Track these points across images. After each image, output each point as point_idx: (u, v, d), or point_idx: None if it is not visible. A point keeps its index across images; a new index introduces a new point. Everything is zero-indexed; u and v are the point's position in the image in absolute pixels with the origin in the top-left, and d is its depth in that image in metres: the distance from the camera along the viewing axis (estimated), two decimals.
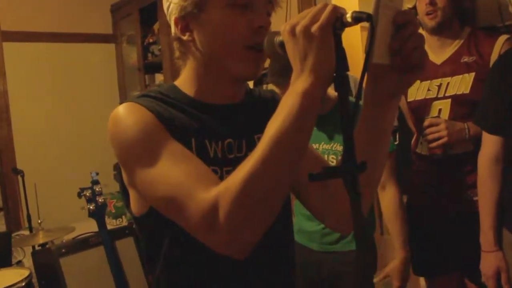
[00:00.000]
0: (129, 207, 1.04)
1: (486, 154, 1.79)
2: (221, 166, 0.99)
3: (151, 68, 4.26)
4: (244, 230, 0.80)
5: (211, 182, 0.84)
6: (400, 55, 0.80)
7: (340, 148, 1.93)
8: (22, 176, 3.30)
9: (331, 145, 1.95)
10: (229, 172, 0.96)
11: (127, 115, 0.93)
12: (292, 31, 0.76)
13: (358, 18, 0.73)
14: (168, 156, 0.88)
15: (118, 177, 1.03)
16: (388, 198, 2.06)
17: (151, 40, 4.20)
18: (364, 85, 0.84)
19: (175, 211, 0.87)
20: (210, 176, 0.88)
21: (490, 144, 1.77)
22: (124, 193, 1.05)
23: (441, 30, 2.03)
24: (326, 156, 1.95)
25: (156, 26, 4.13)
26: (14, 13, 4.08)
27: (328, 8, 0.74)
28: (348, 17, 0.74)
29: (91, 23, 4.49)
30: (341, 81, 0.75)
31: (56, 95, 4.31)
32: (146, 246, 1.06)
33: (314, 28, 0.74)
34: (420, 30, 1.12)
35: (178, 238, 0.95)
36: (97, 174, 2.61)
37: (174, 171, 0.86)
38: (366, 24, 0.76)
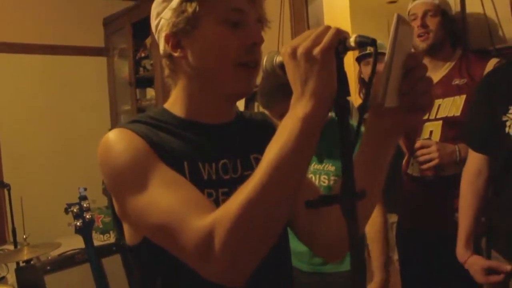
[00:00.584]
0: (123, 237, 1.00)
1: (469, 169, 1.82)
2: (216, 188, 0.96)
3: (143, 82, 4.25)
4: (241, 259, 0.77)
5: (206, 208, 0.82)
6: (408, 97, 0.80)
7: (332, 168, 1.92)
8: (9, 190, 3.24)
9: (323, 165, 1.94)
10: (225, 194, 0.95)
11: (117, 141, 0.91)
12: (293, 53, 0.74)
13: (362, 42, 0.72)
14: (160, 183, 0.86)
15: (110, 207, 0.99)
16: (372, 218, 2.05)
17: (143, 55, 4.19)
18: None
19: (168, 240, 0.84)
20: (204, 202, 0.85)
21: (474, 160, 1.80)
22: (116, 223, 1.01)
23: (432, 52, 2.06)
24: (317, 176, 1.94)
25: (148, 41, 4.13)
26: (5, 24, 4.06)
27: (331, 31, 0.73)
28: (352, 41, 0.73)
29: (83, 36, 4.47)
30: (343, 106, 0.74)
31: (46, 108, 4.27)
32: (141, 276, 1.02)
33: (316, 51, 0.72)
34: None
35: (174, 267, 0.91)
36: (85, 189, 2.57)
37: (167, 198, 0.84)
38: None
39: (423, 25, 2.02)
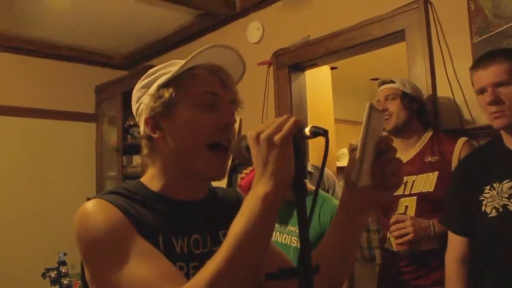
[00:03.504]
0: None
1: (453, 255, 1.84)
2: (188, 262, 1.00)
3: (130, 149, 4.32)
4: None
5: (178, 281, 0.85)
6: (379, 177, 0.87)
7: (293, 228, 2.02)
8: None
9: (295, 227, 2.01)
10: (195, 268, 0.99)
11: (95, 212, 0.94)
12: (257, 138, 0.83)
13: (315, 132, 0.81)
14: (135, 255, 0.89)
15: (81, 275, 1.02)
16: None
17: (131, 123, 4.29)
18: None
19: None
20: (176, 275, 0.89)
21: (456, 244, 1.83)
22: None
23: (398, 133, 2.19)
24: (290, 237, 2.01)
25: None
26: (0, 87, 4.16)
27: (291, 121, 0.81)
28: (307, 130, 0.81)
29: (76, 102, 4.58)
30: (299, 187, 0.81)
31: (32, 170, 4.28)
32: None
33: (277, 137, 0.80)
34: None
35: None
36: (65, 254, 2.57)
37: (141, 271, 0.87)
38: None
39: (384, 109, 2.18)
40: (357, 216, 0.94)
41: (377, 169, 0.87)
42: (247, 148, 0.87)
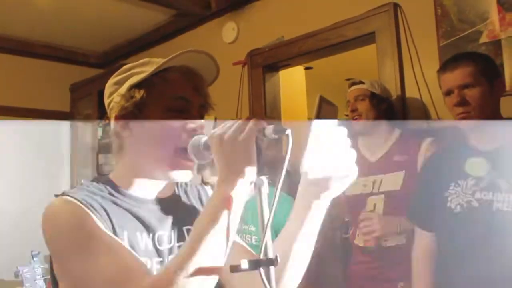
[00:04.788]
0: None
1: (420, 250, 1.90)
2: (152, 257, 1.02)
3: (105, 148, 4.30)
4: None
5: (144, 274, 0.88)
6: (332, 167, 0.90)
7: (253, 229, 2.07)
8: None
9: (247, 226, 2.08)
10: (159, 263, 1.02)
11: (61, 209, 0.95)
12: (220, 139, 0.86)
13: (277, 131, 0.84)
14: (101, 250, 0.90)
15: (50, 270, 1.03)
16: None
17: (107, 121, 4.26)
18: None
19: None
20: (142, 268, 0.91)
21: (422, 239, 1.90)
22: (55, 286, 1.03)
23: (367, 133, 2.25)
24: (242, 235, 2.08)
25: None
26: None
27: (252, 121, 0.85)
28: (269, 130, 0.84)
29: (50, 100, 4.54)
30: (261, 186, 0.84)
31: (6, 169, 4.23)
32: None
33: (240, 138, 0.84)
34: None
35: None
36: (38, 253, 2.55)
37: (107, 265, 0.88)
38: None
39: (353, 110, 2.24)
40: (312, 207, 0.97)
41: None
42: (206, 147, 0.89)
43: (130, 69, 1.10)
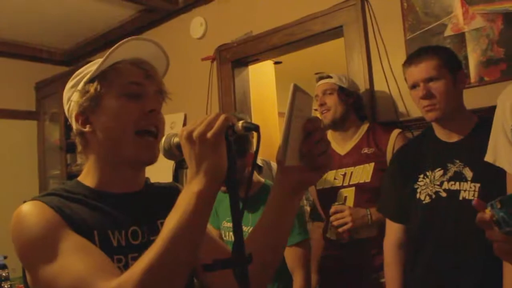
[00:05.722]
0: None
1: (391, 241, 1.94)
2: (126, 253, 1.03)
3: (73, 147, 4.20)
4: None
5: (112, 273, 0.88)
6: (308, 158, 0.91)
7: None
8: None
9: (248, 227, 2.05)
10: (134, 258, 1.01)
11: (29, 213, 0.96)
12: (190, 136, 0.85)
13: (247, 127, 0.84)
14: (70, 251, 0.91)
15: (23, 277, 1.02)
16: (296, 284, 2.14)
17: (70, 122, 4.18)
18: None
19: None
20: (111, 267, 0.92)
21: (393, 231, 1.93)
22: None
23: (336, 126, 2.28)
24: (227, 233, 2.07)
25: None
26: None
27: (221, 117, 0.84)
28: (239, 125, 0.84)
29: (14, 99, 4.43)
30: (232, 181, 0.84)
31: None
32: None
33: (209, 134, 0.83)
34: None
35: None
36: (5, 257, 2.50)
37: (75, 265, 0.89)
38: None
39: (322, 104, 2.27)
40: (288, 197, 0.98)
41: (306, 150, 0.90)
42: (178, 146, 0.89)
43: (82, 71, 1.13)
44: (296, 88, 0.85)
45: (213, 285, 1.13)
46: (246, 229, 2.05)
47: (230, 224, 2.08)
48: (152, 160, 1.07)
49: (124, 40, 1.04)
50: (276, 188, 0.99)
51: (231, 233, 2.13)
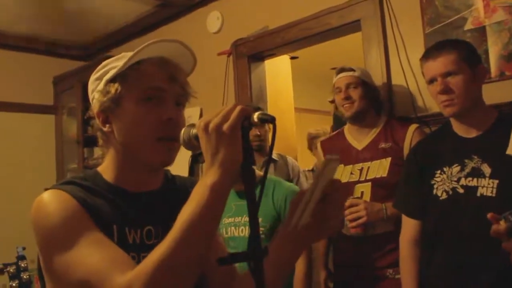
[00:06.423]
0: None
1: (407, 237, 1.91)
2: (139, 252, 1.02)
3: (90, 141, 4.26)
4: None
5: (128, 267, 0.88)
6: (319, 217, 0.91)
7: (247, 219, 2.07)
8: None
9: (242, 218, 2.07)
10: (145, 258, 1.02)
11: (51, 201, 0.96)
12: (206, 128, 0.84)
13: (263, 119, 0.83)
14: (87, 242, 0.91)
15: (38, 266, 1.03)
16: (297, 271, 2.13)
17: (91, 114, 4.21)
18: None
19: None
20: (127, 261, 0.91)
21: (409, 227, 1.91)
22: (42, 281, 1.04)
23: (358, 120, 2.26)
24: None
25: None
26: None
27: (237, 109, 0.84)
28: (255, 117, 0.83)
29: (32, 94, 4.48)
30: (248, 174, 0.83)
31: None
32: None
33: (225, 126, 0.82)
34: None
35: None
36: (24, 248, 2.52)
37: (91, 257, 0.89)
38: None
39: (347, 97, 2.23)
40: (293, 248, 0.99)
41: (319, 209, 0.91)
42: (196, 137, 0.88)
43: (108, 64, 1.11)
44: (329, 161, 0.84)
45: (213, 282, 1.12)
46: (241, 219, 2.07)
47: (231, 220, 2.12)
48: (169, 163, 1.07)
49: (151, 41, 1.02)
50: (280, 239, 0.99)
51: (232, 229, 2.13)
